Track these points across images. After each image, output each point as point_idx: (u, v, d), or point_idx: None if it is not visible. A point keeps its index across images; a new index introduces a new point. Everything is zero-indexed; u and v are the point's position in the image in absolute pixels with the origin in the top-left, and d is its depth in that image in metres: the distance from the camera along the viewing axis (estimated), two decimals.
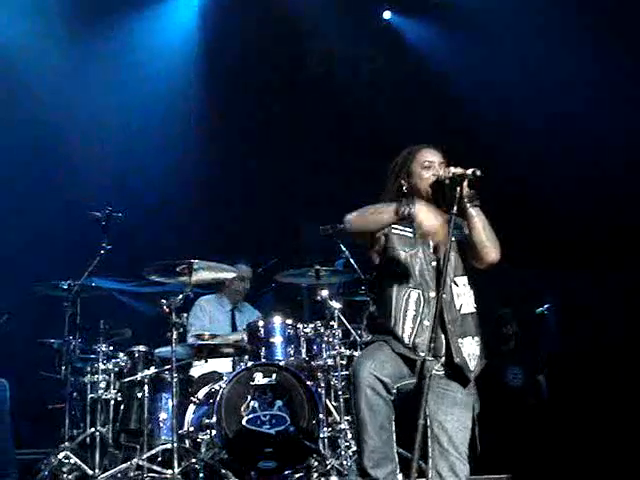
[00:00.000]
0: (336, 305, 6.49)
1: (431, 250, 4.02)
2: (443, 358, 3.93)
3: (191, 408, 6.34)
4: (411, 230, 4.00)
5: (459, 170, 3.92)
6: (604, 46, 8.12)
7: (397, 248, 4.03)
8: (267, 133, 9.28)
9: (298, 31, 9.34)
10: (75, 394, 6.45)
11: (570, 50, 8.32)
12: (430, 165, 4.09)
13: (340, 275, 6.78)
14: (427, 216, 3.81)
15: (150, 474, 5.82)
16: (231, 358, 6.76)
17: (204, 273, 6.34)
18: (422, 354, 3.84)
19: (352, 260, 6.61)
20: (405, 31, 9.77)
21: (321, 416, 6.10)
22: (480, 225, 3.92)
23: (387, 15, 9.99)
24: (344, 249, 6.75)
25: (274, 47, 9.24)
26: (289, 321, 6.55)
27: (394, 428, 3.82)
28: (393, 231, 4.05)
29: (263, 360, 6.34)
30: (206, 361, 6.62)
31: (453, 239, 3.90)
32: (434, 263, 4.00)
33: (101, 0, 8.68)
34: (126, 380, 6.39)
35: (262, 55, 9.22)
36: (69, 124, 8.45)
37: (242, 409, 5.97)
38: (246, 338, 6.58)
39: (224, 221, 9.13)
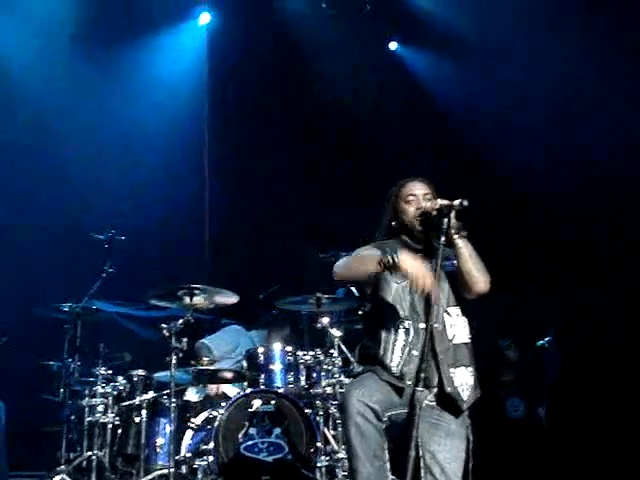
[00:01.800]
0: (336, 333, 6.48)
1: None
2: (435, 389, 3.95)
3: (188, 434, 6.31)
4: None
5: (445, 202, 3.99)
6: (604, 44, 8.13)
7: (388, 280, 4.08)
8: (272, 159, 9.32)
9: (305, 58, 9.41)
10: (73, 417, 6.42)
11: (571, 60, 8.37)
12: (412, 199, 4.16)
13: (341, 303, 6.75)
14: (411, 265, 3.84)
15: None
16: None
17: (204, 297, 6.36)
18: (409, 382, 3.86)
19: (353, 288, 6.61)
20: (410, 62, 9.86)
21: (319, 445, 6.05)
22: (467, 255, 3.98)
23: (393, 46, 10.08)
24: None
25: (280, 73, 9.31)
26: (289, 348, 6.55)
27: (387, 457, 3.82)
28: None
29: (262, 387, 6.32)
30: (205, 387, 6.61)
31: (444, 270, 3.96)
32: (424, 293, 4.02)
33: (110, 24, 8.74)
34: (124, 404, 6.37)
35: (268, 80, 9.29)
36: (72, 146, 8.49)
37: (240, 436, 5.93)
38: (245, 365, 6.60)
39: (227, 246, 9.15)
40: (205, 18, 9.64)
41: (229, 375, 6.68)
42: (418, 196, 4.16)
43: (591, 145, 8.26)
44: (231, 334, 7.50)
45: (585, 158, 8.26)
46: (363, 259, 4.02)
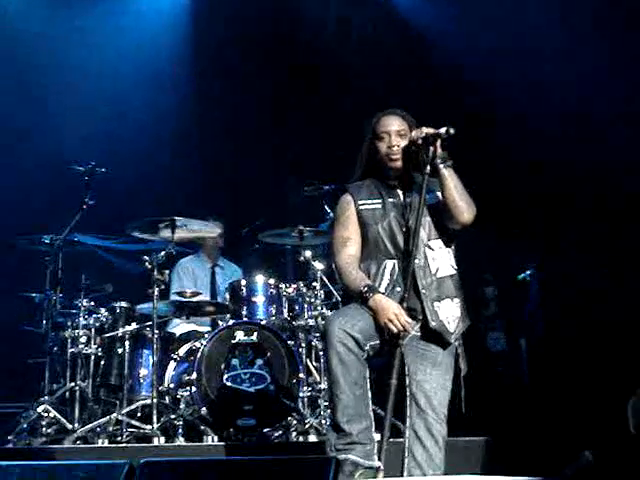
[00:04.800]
0: (319, 266, 6.48)
1: (403, 215, 4.05)
2: (421, 322, 3.96)
3: (171, 365, 6.34)
4: (380, 201, 4.06)
5: (431, 130, 3.95)
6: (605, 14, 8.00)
7: (369, 222, 4.08)
8: (254, 95, 9.21)
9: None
10: (55, 349, 6.41)
11: (564, 16, 8.22)
12: (384, 136, 4.11)
13: (324, 236, 6.74)
14: (380, 312, 3.83)
15: (129, 429, 5.82)
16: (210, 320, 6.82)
17: (187, 230, 6.38)
18: None
19: None
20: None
21: (301, 375, 6.12)
22: (452, 185, 3.96)
23: None
24: (329, 210, 6.74)
25: (262, 11, 9.16)
26: (271, 281, 6.56)
27: (369, 386, 3.85)
28: (361, 207, 4.12)
29: (245, 319, 6.35)
30: (188, 318, 6.63)
31: (426, 203, 3.95)
32: (405, 229, 4.02)
33: None
34: (107, 335, 6.38)
35: (251, 19, 9.13)
36: (53, 75, 8.37)
37: (222, 367, 5.97)
38: (228, 297, 6.62)
39: (209, 179, 9.10)
40: None
41: (211, 307, 6.71)
42: (391, 132, 4.10)
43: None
44: (183, 271, 7.44)
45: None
46: (353, 280, 3.98)
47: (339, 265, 4.07)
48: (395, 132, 4.10)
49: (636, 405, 3.21)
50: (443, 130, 3.92)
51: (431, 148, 3.94)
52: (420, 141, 3.97)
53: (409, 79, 9.03)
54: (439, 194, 4.02)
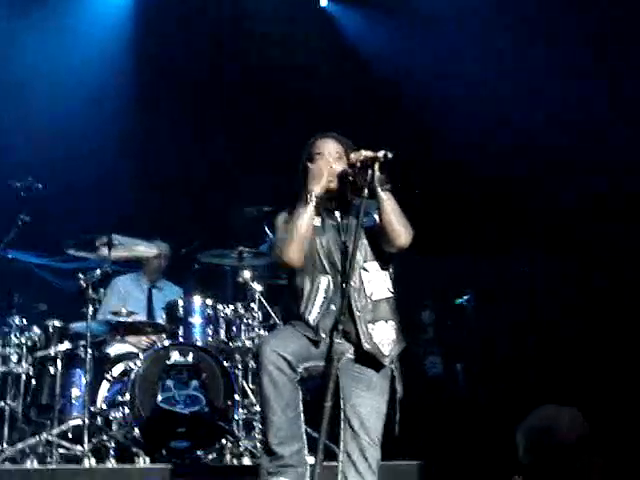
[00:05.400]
0: (257, 287, 6.47)
1: (340, 236, 4.04)
2: (355, 344, 3.95)
3: (105, 385, 6.25)
4: (319, 219, 4.08)
5: (370, 153, 3.95)
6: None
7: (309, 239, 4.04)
8: (197, 114, 9.18)
9: (234, 12, 9.27)
10: None
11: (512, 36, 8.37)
12: (319, 158, 4.11)
13: (263, 258, 6.73)
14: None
15: (59, 450, 5.70)
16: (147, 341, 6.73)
17: (123, 249, 6.31)
18: (323, 336, 3.88)
19: None
20: (340, 18, 9.77)
21: (237, 398, 6.07)
22: (390, 209, 3.95)
23: (324, 2, 9.99)
24: (269, 232, 6.74)
25: (208, 27, 9.15)
26: (209, 301, 6.49)
27: (301, 408, 3.83)
28: None
29: (181, 339, 6.28)
30: (122, 338, 6.54)
31: (362, 226, 3.95)
32: (342, 250, 4.02)
33: None
34: (39, 354, 6.24)
35: (195, 34, 9.12)
36: None
37: (157, 388, 5.88)
38: (164, 317, 6.55)
39: (149, 200, 9.02)
40: None
41: (147, 327, 6.64)
42: (324, 153, 4.12)
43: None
44: (113, 290, 7.38)
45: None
46: (292, 231, 3.97)
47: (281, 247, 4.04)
48: (331, 152, 4.11)
49: (529, 427, 3.19)
50: (381, 153, 3.92)
51: (369, 171, 3.93)
52: (358, 164, 3.97)
53: (359, 100, 9.10)
54: (376, 217, 4.03)
